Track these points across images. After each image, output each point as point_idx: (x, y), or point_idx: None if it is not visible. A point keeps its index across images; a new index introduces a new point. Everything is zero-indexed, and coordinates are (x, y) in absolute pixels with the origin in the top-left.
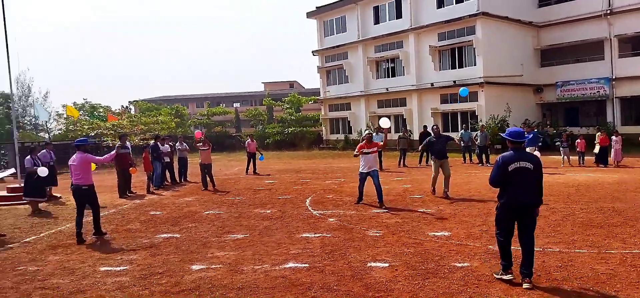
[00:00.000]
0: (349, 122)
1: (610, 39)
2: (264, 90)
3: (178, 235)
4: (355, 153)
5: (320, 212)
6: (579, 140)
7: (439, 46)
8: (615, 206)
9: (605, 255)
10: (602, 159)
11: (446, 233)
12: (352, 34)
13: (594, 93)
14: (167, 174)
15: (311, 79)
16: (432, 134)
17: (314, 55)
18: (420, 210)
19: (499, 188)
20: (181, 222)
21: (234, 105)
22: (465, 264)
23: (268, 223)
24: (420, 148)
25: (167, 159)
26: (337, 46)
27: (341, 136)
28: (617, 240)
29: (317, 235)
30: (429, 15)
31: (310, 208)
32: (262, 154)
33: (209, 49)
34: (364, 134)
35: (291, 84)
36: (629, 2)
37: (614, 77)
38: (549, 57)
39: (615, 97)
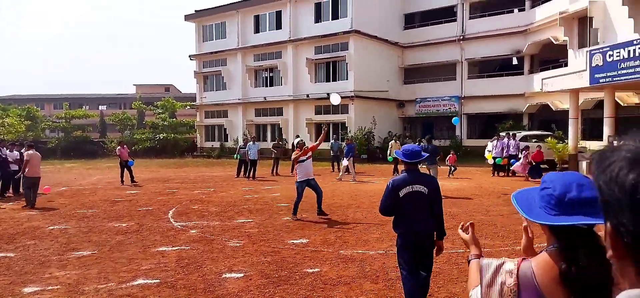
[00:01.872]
0: (225, 129)
1: (462, 62)
2: (135, 93)
3: (12, 255)
4: (293, 165)
5: (182, 223)
6: (450, 155)
7: (315, 59)
8: (451, 211)
9: None
10: (536, 172)
11: (304, 241)
12: (231, 41)
13: (447, 109)
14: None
15: (189, 84)
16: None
17: (191, 59)
18: (285, 218)
19: (392, 217)
20: (18, 238)
21: (100, 108)
22: (316, 269)
23: (122, 238)
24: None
25: (14, 167)
26: (216, 52)
27: (217, 144)
28: (448, 241)
29: (175, 248)
30: (307, 29)
31: (172, 220)
32: (132, 160)
33: (75, 47)
34: (295, 142)
35: (167, 88)
36: (477, 30)
37: (463, 96)
38: (411, 76)
39: (463, 114)
